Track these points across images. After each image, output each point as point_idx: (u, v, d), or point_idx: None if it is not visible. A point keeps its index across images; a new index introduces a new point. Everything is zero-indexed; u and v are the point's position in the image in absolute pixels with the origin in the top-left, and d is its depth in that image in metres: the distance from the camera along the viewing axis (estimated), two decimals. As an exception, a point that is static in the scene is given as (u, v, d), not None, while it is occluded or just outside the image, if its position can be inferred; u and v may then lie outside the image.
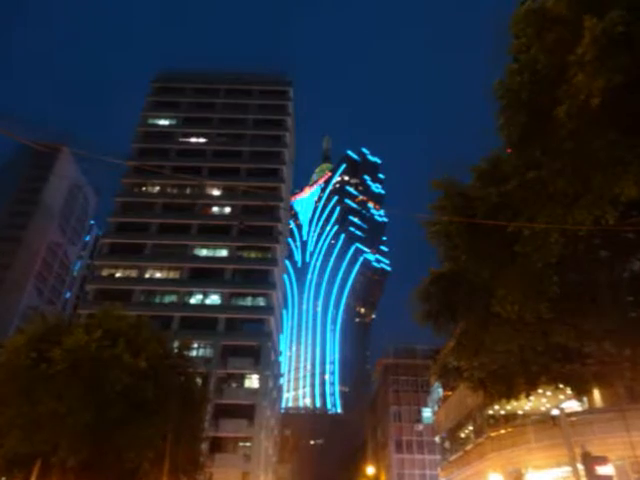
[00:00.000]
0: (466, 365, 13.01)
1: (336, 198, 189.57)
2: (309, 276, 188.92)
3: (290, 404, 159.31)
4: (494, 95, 10.28)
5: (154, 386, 23.56)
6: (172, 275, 63.97)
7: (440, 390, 41.51)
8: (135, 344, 24.49)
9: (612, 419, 19.65)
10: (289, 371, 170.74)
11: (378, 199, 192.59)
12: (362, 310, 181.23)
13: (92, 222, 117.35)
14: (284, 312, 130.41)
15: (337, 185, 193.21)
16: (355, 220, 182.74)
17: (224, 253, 65.18)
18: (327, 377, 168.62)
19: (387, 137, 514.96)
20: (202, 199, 68.93)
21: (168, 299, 61.78)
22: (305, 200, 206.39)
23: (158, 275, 63.94)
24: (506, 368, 12.41)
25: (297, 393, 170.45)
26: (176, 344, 30.59)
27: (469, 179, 12.24)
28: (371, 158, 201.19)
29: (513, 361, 12.12)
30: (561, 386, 13.04)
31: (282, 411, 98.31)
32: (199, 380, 31.11)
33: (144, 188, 70.81)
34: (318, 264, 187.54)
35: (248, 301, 62.87)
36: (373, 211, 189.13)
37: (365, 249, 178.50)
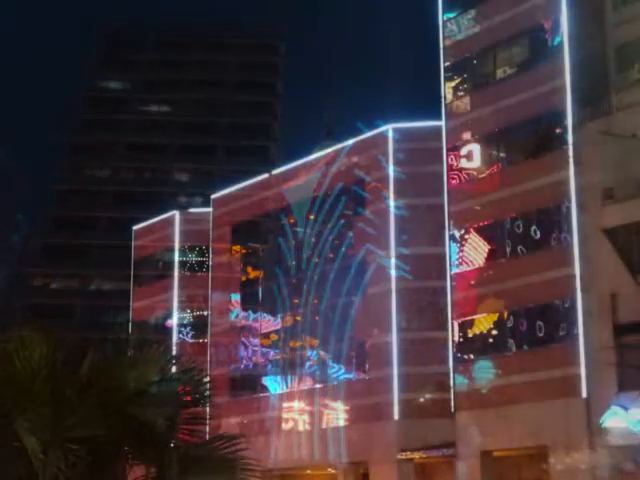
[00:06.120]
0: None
1: (341, 186, 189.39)
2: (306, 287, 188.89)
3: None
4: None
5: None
6: (127, 286, 63.69)
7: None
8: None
9: None
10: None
11: (397, 186, 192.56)
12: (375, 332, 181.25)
13: (20, 216, 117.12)
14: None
15: (342, 168, 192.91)
16: (366, 214, 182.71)
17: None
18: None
19: (407, 104, 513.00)
20: (166, 186, 68.88)
21: (122, 317, 61.54)
22: (300, 188, 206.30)
23: (108, 287, 63.74)
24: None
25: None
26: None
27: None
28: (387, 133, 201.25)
29: None
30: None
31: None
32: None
33: (90, 172, 70.62)
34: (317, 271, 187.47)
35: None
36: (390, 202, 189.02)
37: (379, 252, 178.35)
